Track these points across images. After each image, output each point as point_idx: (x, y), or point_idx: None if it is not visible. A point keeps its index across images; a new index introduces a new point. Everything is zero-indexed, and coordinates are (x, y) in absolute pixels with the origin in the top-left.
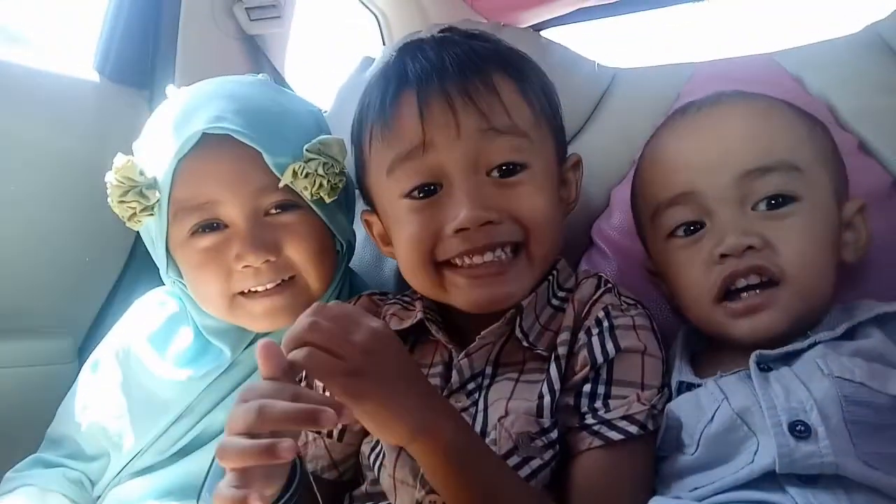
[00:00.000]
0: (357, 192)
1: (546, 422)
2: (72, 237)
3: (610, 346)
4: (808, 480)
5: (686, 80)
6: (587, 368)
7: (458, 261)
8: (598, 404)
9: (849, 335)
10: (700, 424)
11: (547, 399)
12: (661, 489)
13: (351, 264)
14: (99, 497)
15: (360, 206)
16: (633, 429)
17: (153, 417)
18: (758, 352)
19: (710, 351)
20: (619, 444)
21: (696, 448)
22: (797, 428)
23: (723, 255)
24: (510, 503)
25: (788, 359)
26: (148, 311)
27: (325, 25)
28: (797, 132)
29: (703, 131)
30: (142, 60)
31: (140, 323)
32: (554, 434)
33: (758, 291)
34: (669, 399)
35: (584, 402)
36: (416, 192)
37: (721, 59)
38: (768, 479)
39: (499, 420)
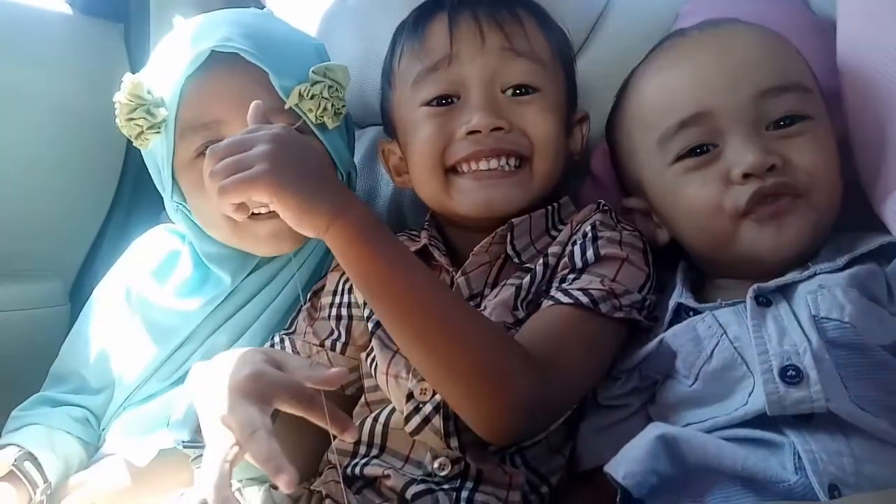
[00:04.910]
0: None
1: (520, 313)
2: (55, 177)
3: (590, 253)
4: (803, 419)
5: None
6: (566, 270)
7: (464, 166)
8: (565, 284)
9: (849, 267)
10: (699, 360)
11: (524, 291)
12: (657, 419)
13: None
14: (103, 430)
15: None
16: (583, 298)
17: (156, 346)
18: (756, 285)
19: (709, 281)
20: (567, 308)
21: (694, 381)
22: (788, 373)
23: (746, 175)
24: (420, 281)
25: (787, 291)
26: (148, 247)
27: None
28: (801, 58)
29: (714, 50)
30: None
31: (141, 259)
32: None
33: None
34: (654, 315)
35: (555, 284)
36: (435, 101)
37: None
38: (764, 419)
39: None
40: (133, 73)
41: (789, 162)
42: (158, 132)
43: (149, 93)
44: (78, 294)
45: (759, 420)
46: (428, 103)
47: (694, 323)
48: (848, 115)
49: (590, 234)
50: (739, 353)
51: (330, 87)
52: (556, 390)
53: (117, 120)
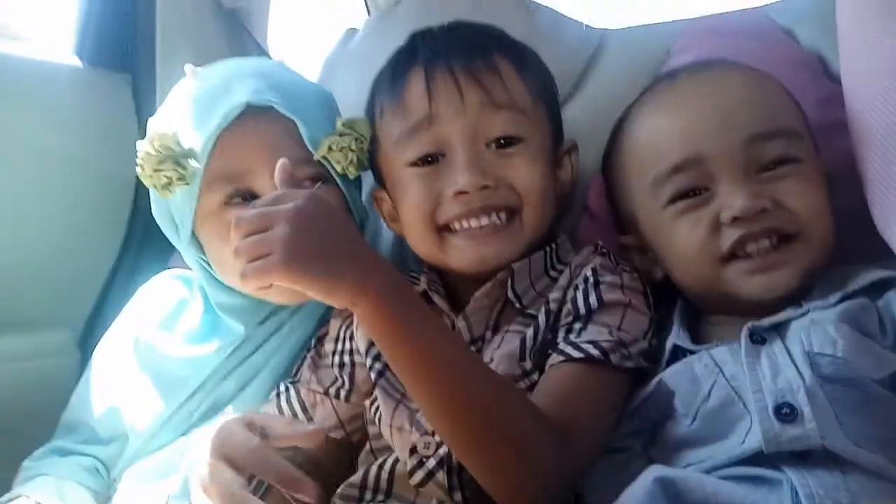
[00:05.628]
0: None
1: (528, 364)
2: (62, 228)
3: (593, 299)
4: (801, 456)
5: (676, 37)
6: (570, 317)
7: (456, 225)
8: (572, 335)
9: (842, 303)
10: (697, 399)
11: (529, 343)
12: (658, 460)
13: None
14: (115, 480)
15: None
16: (594, 351)
17: (167, 396)
18: (750, 324)
19: (704, 321)
20: (579, 363)
21: (693, 420)
22: (783, 411)
23: (735, 219)
24: (448, 352)
25: (781, 328)
26: (156, 294)
27: None
28: (790, 99)
29: (704, 95)
30: (121, 42)
31: (149, 306)
32: (535, 376)
33: (771, 250)
34: (655, 357)
35: (561, 334)
36: (420, 161)
37: (712, 15)
38: (762, 457)
39: None
40: (140, 123)
41: (780, 205)
42: (188, 183)
43: (178, 143)
44: (88, 342)
45: (757, 458)
46: (413, 164)
47: (691, 363)
48: (854, 137)
49: (591, 280)
50: (736, 392)
51: (356, 139)
52: (576, 456)
53: (139, 170)
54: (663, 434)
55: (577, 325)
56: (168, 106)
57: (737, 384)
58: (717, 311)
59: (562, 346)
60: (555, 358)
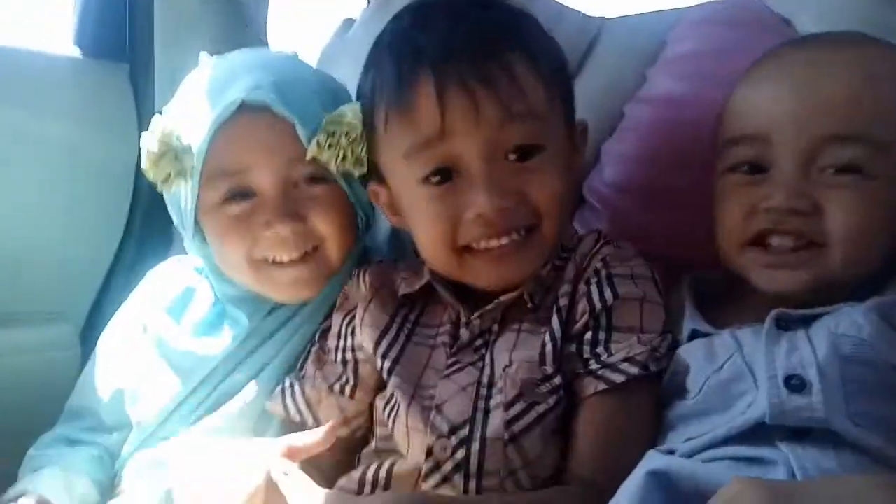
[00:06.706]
0: None
1: (549, 369)
2: (62, 219)
3: (608, 294)
4: (799, 434)
5: (673, 26)
6: (586, 316)
7: (475, 245)
8: (600, 349)
9: None
10: (708, 371)
11: (549, 348)
12: (657, 438)
13: None
14: (119, 469)
15: None
16: (634, 370)
17: (173, 386)
18: (779, 310)
19: (729, 300)
20: (623, 387)
21: (698, 393)
22: (792, 381)
23: (768, 209)
24: None
25: (808, 321)
26: (163, 281)
27: None
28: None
29: (795, 80)
30: (119, 32)
31: (156, 294)
32: (557, 380)
33: (792, 250)
34: (675, 346)
35: (587, 348)
36: (433, 178)
37: (708, 3)
38: (761, 434)
39: (503, 369)
40: (139, 112)
41: (821, 212)
42: (185, 178)
43: (178, 139)
44: (89, 336)
45: (755, 434)
46: (425, 180)
47: (712, 339)
48: None
49: (603, 273)
50: (749, 367)
51: (346, 133)
52: None
53: (144, 164)
54: (668, 413)
55: (602, 335)
56: (176, 97)
57: (751, 361)
58: (743, 293)
59: (594, 366)
60: (593, 384)
